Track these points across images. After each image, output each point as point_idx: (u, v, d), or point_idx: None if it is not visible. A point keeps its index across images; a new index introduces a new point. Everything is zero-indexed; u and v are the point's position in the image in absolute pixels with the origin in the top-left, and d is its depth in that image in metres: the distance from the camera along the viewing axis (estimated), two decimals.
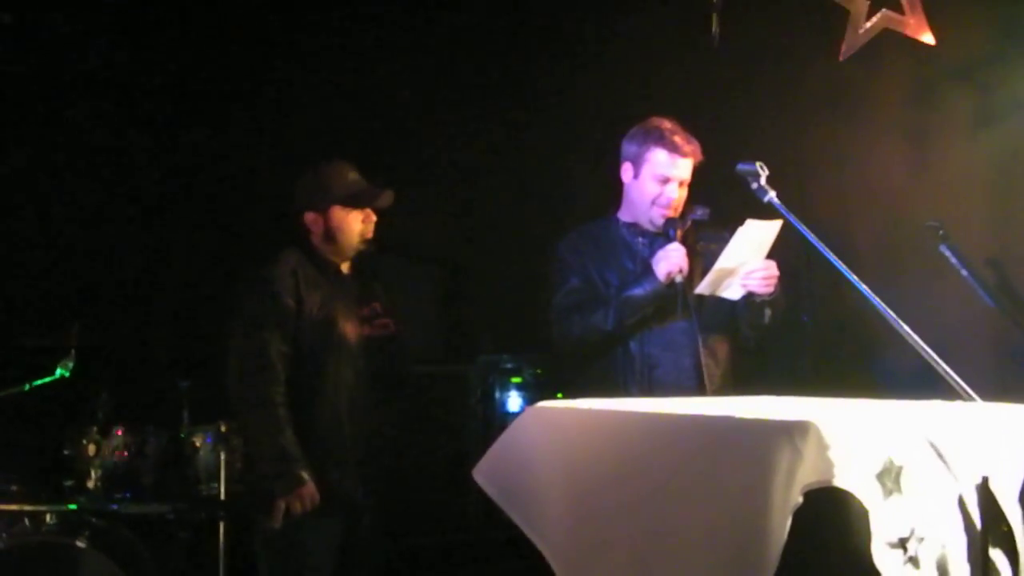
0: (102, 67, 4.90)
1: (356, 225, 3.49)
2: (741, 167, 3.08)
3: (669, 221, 3.42)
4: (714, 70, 4.30)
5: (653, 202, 3.44)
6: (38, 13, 4.79)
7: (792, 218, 2.76)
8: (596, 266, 3.47)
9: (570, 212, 5.14)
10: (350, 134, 5.17)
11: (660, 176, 3.41)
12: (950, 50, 3.74)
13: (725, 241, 3.18)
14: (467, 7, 5.28)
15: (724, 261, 3.18)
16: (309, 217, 3.48)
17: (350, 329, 3.44)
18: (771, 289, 3.26)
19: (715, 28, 3.96)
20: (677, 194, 3.43)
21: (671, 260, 3.29)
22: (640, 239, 3.49)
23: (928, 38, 3.68)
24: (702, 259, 3.41)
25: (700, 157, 3.44)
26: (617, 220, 3.56)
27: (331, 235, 3.48)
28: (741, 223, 3.10)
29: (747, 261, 3.21)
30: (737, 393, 3.11)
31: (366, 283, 3.61)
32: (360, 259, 3.57)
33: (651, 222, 3.47)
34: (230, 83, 5.14)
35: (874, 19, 3.75)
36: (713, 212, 3.46)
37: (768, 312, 3.34)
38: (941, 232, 3.32)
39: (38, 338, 4.13)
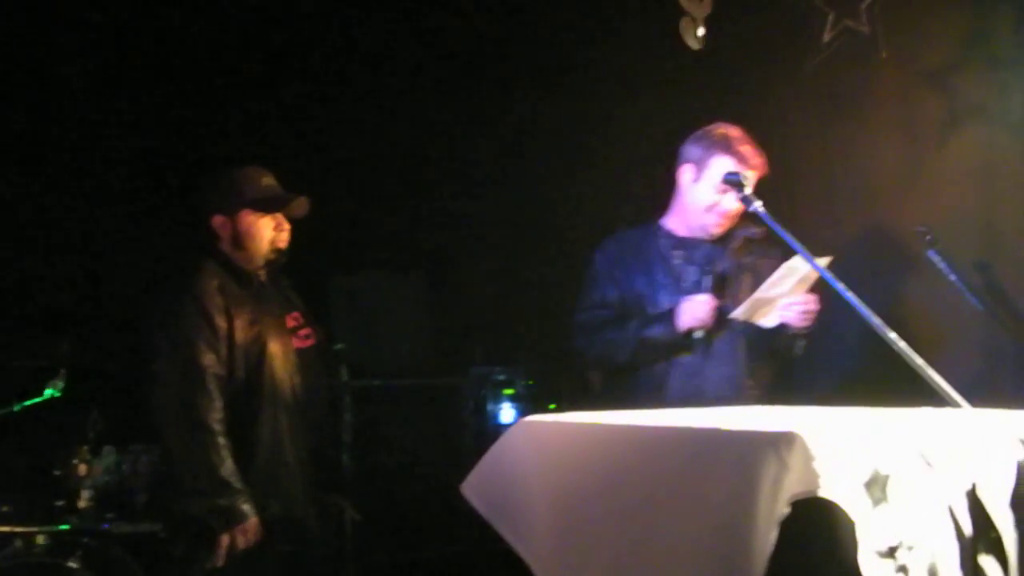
0: (89, 82, 4.90)
1: (267, 232, 3.26)
2: (727, 177, 3.09)
3: (705, 268, 3.34)
4: (699, 76, 4.31)
5: (709, 209, 3.37)
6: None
7: (777, 227, 2.76)
8: (628, 274, 3.42)
9: (563, 224, 5.15)
10: (342, 145, 5.18)
11: (722, 186, 3.29)
12: (930, 55, 3.75)
13: (774, 257, 3.14)
14: (467, 15, 5.28)
15: (764, 291, 3.14)
16: (217, 221, 3.25)
17: (281, 345, 3.23)
18: (808, 322, 3.21)
19: (700, 35, 3.95)
20: (735, 206, 3.31)
21: (696, 314, 3.25)
22: (677, 252, 3.43)
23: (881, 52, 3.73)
24: (751, 275, 3.37)
25: (766, 171, 3.33)
26: (659, 229, 3.50)
27: (240, 241, 3.25)
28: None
29: (787, 293, 3.16)
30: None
31: (283, 292, 3.40)
32: (271, 267, 3.34)
33: (703, 228, 3.41)
34: (227, 103, 5.13)
35: (834, 33, 3.78)
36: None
37: (801, 344, 3.30)
38: (929, 237, 3.32)
39: (27, 358, 4.12)
